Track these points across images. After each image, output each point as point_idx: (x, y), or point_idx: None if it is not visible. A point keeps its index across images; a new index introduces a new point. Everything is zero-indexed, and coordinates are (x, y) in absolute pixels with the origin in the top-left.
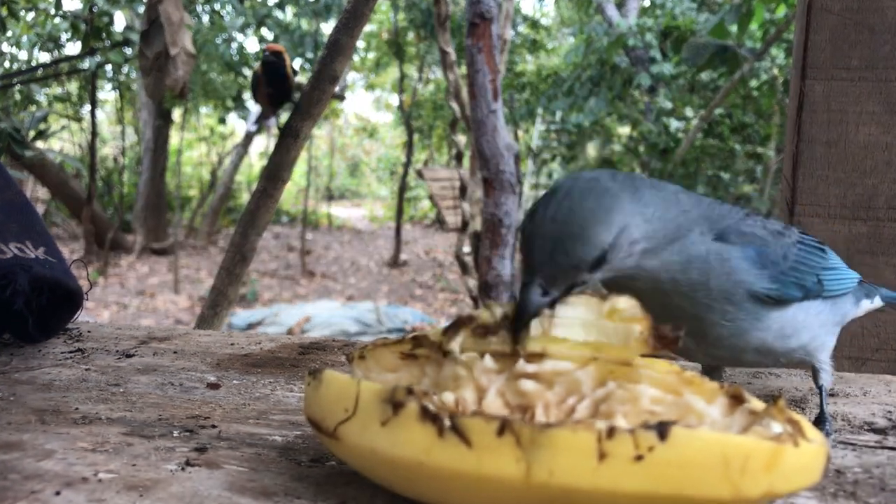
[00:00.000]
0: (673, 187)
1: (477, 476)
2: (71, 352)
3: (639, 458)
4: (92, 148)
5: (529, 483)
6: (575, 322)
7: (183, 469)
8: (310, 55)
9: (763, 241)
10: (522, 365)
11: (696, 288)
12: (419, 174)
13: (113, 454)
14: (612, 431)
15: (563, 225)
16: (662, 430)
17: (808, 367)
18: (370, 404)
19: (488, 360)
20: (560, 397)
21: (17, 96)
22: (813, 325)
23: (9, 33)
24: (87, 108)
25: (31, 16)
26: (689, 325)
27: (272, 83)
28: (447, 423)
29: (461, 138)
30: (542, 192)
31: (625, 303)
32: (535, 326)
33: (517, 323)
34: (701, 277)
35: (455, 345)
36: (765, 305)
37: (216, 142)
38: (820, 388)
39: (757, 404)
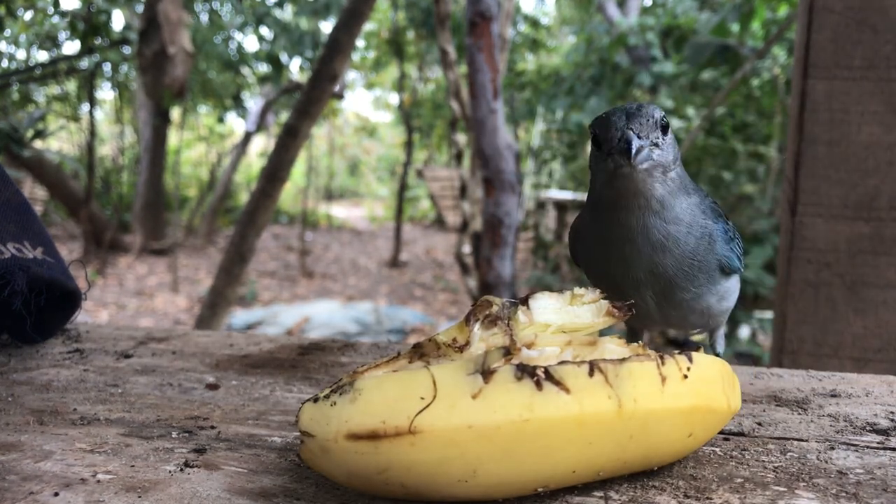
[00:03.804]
0: None
1: (580, 420)
2: (69, 352)
3: (685, 377)
4: (90, 147)
5: (622, 414)
6: (549, 309)
7: (182, 470)
8: (309, 54)
9: (726, 219)
10: (526, 353)
11: (687, 255)
12: (419, 174)
13: (111, 455)
14: (662, 358)
15: (640, 107)
16: (688, 354)
17: (709, 331)
18: (453, 383)
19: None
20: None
21: (16, 96)
22: (734, 293)
23: (7, 32)
24: (86, 107)
25: (29, 14)
26: (660, 287)
27: None
28: (543, 375)
29: (461, 138)
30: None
31: (582, 291)
32: (523, 317)
33: (629, 152)
34: (696, 246)
35: (475, 336)
36: (722, 274)
37: (215, 141)
38: (718, 355)
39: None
